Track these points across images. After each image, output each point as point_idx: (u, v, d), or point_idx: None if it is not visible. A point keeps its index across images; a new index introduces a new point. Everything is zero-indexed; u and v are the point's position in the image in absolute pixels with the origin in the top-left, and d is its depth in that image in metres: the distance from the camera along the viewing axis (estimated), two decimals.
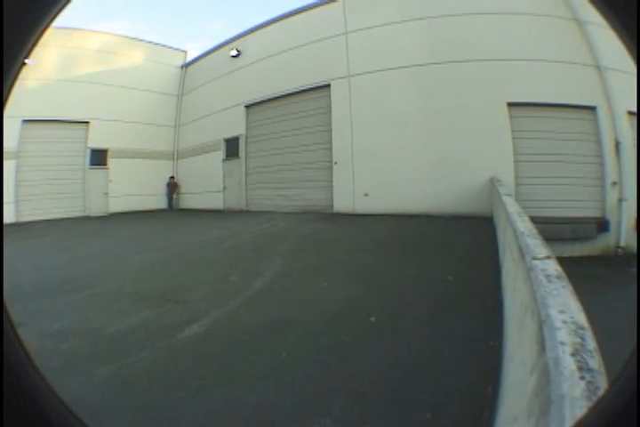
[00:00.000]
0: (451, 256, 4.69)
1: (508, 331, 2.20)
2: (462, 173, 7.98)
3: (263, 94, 10.75)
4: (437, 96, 8.36)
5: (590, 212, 8.06)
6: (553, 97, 7.94)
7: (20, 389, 0.53)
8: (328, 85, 9.49)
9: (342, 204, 9.21)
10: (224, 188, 11.82)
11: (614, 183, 8.17)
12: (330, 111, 9.42)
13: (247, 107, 11.23)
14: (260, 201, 10.80)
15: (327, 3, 9.97)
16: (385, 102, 8.78)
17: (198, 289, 3.75)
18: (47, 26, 0.55)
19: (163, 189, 13.31)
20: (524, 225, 2.72)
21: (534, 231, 2.45)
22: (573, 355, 0.89)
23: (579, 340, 0.95)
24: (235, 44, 11.93)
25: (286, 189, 10.26)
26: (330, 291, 3.56)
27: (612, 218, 8.10)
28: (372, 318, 2.89)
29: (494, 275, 3.48)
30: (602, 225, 7.93)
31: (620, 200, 8.20)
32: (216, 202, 11.82)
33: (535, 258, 1.76)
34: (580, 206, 7.97)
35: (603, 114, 8.20)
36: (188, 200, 13.15)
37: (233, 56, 11.77)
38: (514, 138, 7.90)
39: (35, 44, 0.55)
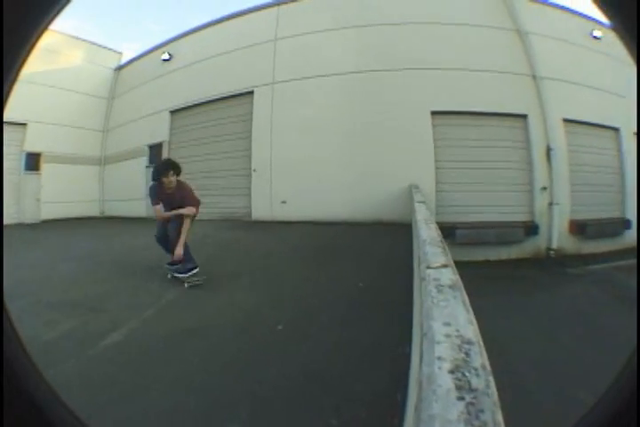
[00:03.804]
0: (364, 263, 4.79)
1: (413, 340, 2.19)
2: (384, 180, 8.03)
3: (188, 100, 10.35)
4: (363, 104, 8.42)
5: (519, 216, 8.25)
6: (482, 105, 8.17)
7: (20, 389, 0.53)
8: (252, 92, 9.28)
9: (261, 211, 9.03)
10: (147, 195, 11.01)
11: (544, 188, 8.44)
12: (252, 118, 9.23)
13: (172, 112, 10.73)
14: None
15: (262, 8, 9.84)
16: (308, 110, 8.70)
17: (118, 298, 3.76)
18: (46, 26, 0.57)
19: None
20: (428, 233, 2.69)
21: (437, 239, 2.42)
22: (452, 372, 0.80)
23: (462, 355, 0.87)
24: (167, 47, 11.41)
25: (206, 197, 9.61)
26: (241, 299, 3.64)
27: (541, 222, 8.29)
28: (280, 326, 2.96)
29: (407, 282, 3.43)
30: (530, 229, 8.12)
31: (551, 204, 8.45)
32: (142, 209, 10.92)
33: (429, 267, 1.70)
34: (509, 211, 8.17)
35: (534, 122, 8.49)
36: (117, 207, 12.21)
37: (164, 60, 11.23)
38: (436, 146, 8.05)
39: (34, 45, 0.56)
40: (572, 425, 0.64)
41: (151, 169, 11.24)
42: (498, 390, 0.74)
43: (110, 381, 2.24)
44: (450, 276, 1.52)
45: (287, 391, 2.09)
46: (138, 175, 11.28)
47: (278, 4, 9.63)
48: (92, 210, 12.25)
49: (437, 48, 8.38)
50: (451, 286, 1.38)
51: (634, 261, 8.95)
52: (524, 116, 8.39)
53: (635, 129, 10.40)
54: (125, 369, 2.41)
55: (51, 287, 4.09)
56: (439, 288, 1.37)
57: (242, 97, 9.44)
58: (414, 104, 8.03)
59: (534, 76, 8.74)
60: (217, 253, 5.70)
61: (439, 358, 0.86)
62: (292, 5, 9.51)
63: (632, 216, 9.86)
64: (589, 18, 10.67)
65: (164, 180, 3.99)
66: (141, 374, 2.34)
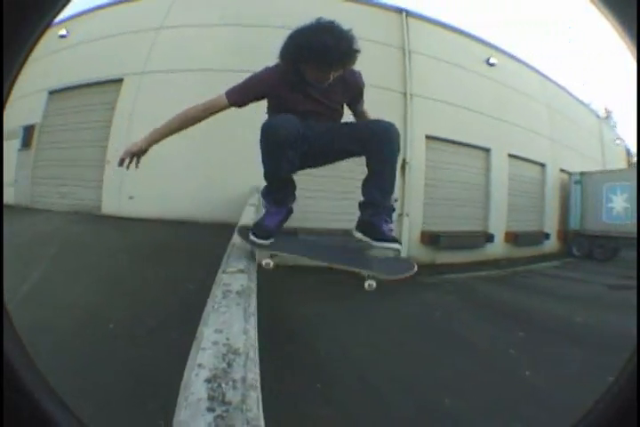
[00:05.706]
0: (198, 264, 4.72)
1: None
2: (234, 182, 8.16)
3: (67, 81, 10.02)
4: None
5: None
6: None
7: (20, 388, 0.53)
8: (122, 80, 9.15)
9: (109, 206, 8.93)
10: (15, 181, 10.61)
11: (395, 200, 8.93)
12: (115, 107, 9.08)
13: (51, 93, 10.35)
14: (42, 198, 10.08)
15: None
16: (172, 103, 8.59)
17: None
18: (47, 26, 0.57)
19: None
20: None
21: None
22: (209, 381, 0.78)
23: (224, 365, 0.85)
24: (69, 22, 10.64)
25: (63, 187, 9.68)
26: (81, 296, 3.88)
27: None
28: (111, 325, 3.20)
29: None
30: None
31: (401, 215, 9.00)
32: (8, 196, 10.39)
33: (225, 271, 1.69)
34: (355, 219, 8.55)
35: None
36: None
37: (61, 36, 10.62)
38: None
39: (34, 45, 0.57)
40: (571, 425, 0.64)
41: (21, 152, 10.92)
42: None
43: None
44: (242, 282, 1.49)
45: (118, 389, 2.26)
46: (10, 158, 10.77)
47: None
48: None
49: None
50: (239, 293, 1.35)
51: (494, 272, 9.77)
52: None
53: (509, 151, 11.21)
54: None
55: None
56: (225, 294, 1.33)
57: (112, 84, 9.23)
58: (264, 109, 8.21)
59: (404, 93, 9.19)
60: (64, 249, 5.80)
61: (199, 366, 0.85)
62: None
63: (495, 231, 10.70)
64: (491, 45, 11.28)
65: (319, 76, 1.72)
66: None
